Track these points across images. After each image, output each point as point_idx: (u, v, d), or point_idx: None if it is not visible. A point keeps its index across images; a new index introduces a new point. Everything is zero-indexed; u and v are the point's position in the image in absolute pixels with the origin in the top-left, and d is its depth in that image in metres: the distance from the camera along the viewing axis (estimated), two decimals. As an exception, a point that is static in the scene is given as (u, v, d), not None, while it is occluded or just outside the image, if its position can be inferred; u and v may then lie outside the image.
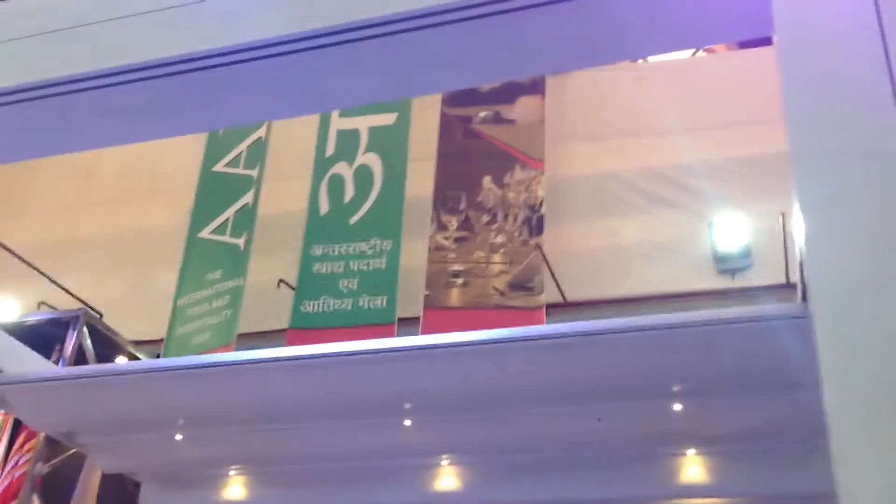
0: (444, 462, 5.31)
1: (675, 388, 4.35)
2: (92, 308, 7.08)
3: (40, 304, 7.53)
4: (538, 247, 6.62)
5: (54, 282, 7.22)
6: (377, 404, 4.78)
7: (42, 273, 7.16)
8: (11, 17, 2.47)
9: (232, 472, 5.74)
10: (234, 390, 4.81)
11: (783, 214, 6.21)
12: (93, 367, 5.89)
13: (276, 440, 5.25)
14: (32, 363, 5.34)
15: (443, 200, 7.09)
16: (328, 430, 5.09)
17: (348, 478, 5.50)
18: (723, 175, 6.95)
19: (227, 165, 7.62)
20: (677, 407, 4.43)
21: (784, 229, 6.13)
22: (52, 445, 5.94)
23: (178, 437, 5.29)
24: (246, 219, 7.13)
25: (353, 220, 6.97)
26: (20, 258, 7.04)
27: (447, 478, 5.32)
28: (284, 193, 7.61)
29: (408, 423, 4.87)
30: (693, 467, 4.86)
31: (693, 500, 5.09)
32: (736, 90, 7.20)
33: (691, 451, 4.87)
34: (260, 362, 4.61)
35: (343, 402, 4.79)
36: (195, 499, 5.87)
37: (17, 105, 2.39)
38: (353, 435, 5.09)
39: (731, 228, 6.68)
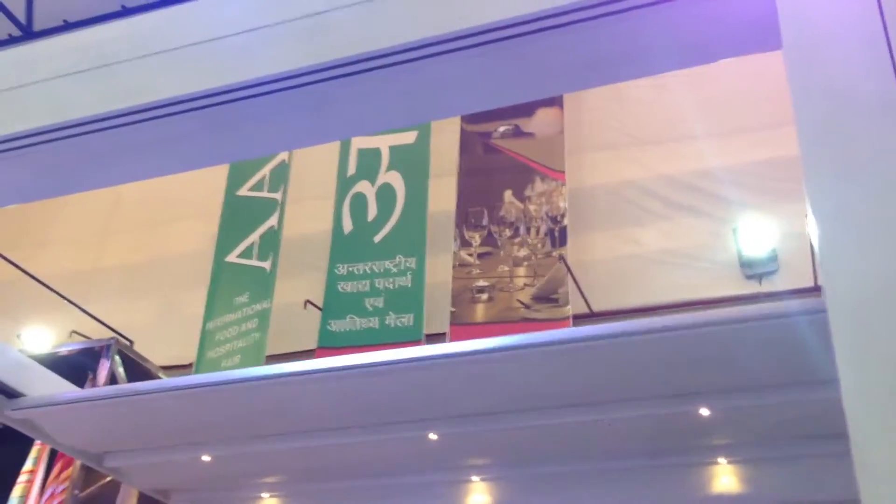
0: (473, 474, 5.30)
1: (702, 391, 4.29)
2: (122, 336, 7.18)
3: (72, 332, 7.66)
4: (562, 258, 6.63)
5: (86, 312, 7.33)
6: (406, 415, 4.75)
7: (73, 303, 7.27)
8: (39, 60, 2.55)
9: (262, 491, 5.75)
10: (259, 406, 4.80)
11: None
12: (117, 388, 5.84)
13: (305, 456, 5.23)
14: (56, 386, 5.36)
15: (465, 217, 7.12)
16: (358, 445, 5.06)
17: (381, 494, 5.50)
18: (746, 179, 6.90)
19: (251, 189, 7.72)
20: (705, 411, 4.37)
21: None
22: (89, 473, 6.02)
23: (206, 456, 5.28)
24: (272, 241, 7.21)
25: (378, 238, 7.02)
26: (52, 290, 7.17)
27: (476, 492, 5.32)
28: (308, 214, 7.69)
29: (434, 436, 4.84)
30: (723, 474, 4.80)
31: None
32: (756, 93, 7.16)
33: (721, 458, 4.81)
34: (285, 377, 4.58)
35: (373, 414, 4.77)
36: None
37: (45, 145, 2.47)
38: (384, 449, 5.07)
39: (757, 233, 6.64)
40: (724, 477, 4.82)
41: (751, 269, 6.65)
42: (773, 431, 4.48)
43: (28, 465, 5.99)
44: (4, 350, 5.08)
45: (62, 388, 5.36)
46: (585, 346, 4.09)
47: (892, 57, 1.63)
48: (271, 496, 5.80)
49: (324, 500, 5.71)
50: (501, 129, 7.41)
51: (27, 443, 5.96)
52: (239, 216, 7.62)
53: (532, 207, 6.97)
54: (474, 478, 5.33)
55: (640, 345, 4.00)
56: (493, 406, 4.58)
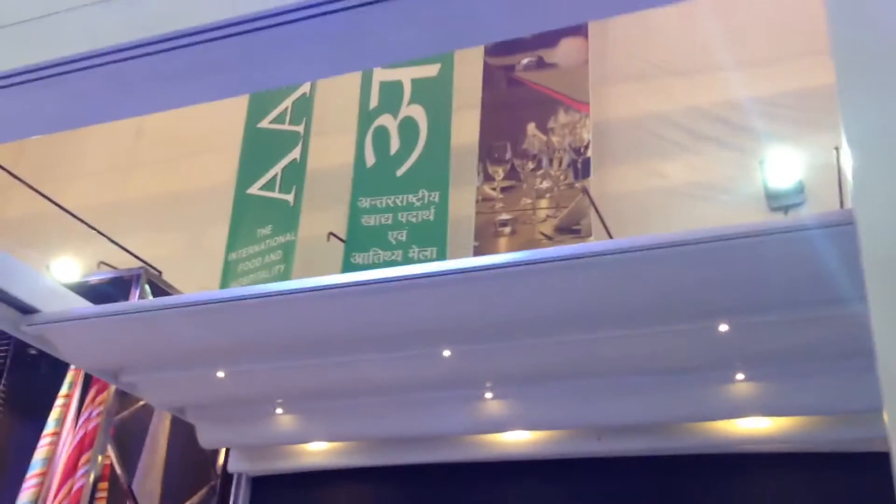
0: (489, 390, 5.30)
1: (722, 307, 4.20)
2: (151, 266, 7.28)
3: (100, 263, 7.77)
4: (584, 189, 6.61)
5: (115, 242, 7.42)
6: (423, 332, 4.69)
7: (102, 234, 7.36)
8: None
9: (277, 407, 5.76)
10: (278, 322, 4.73)
11: (837, 148, 6.08)
12: (132, 304, 5.76)
13: (319, 373, 5.14)
14: (70, 302, 5.26)
15: (488, 151, 7.09)
16: (372, 363, 5.02)
17: (394, 408, 5.51)
18: (774, 111, 6.79)
19: (272, 122, 7.70)
20: (724, 327, 4.30)
21: (838, 163, 6.02)
22: (124, 397, 6.18)
23: (222, 373, 5.21)
24: (294, 174, 7.22)
25: (400, 171, 7.02)
26: (80, 220, 7.25)
27: (490, 407, 5.36)
28: (331, 147, 7.68)
29: (448, 352, 4.78)
30: (741, 390, 4.82)
31: (743, 419, 5.07)
32: (785, 21, 7.00)
33: (739, 373, 4.78)
34: (299, 292, 4.49)
35: (389, 330, 4.68)
36: (247, 435, 5.97)
37: (72, 74, 2.48)
38: (400, 365, 5.02)
39: (784, 165, 6.55)
40: (742, 392, 4.83)
41: (776, 202, 6.58)
42: (792, 347, 4.45)
43: (64, 390, 6.14)
44: (22, 269, 5.02)
45: (71, 300, 5.29)
46: (602, 261, 3.98)
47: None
48: (285, 413, 5.84)
49: (337, 415, 5.73)
50: (525, 61, 7.31)
51: (64, 367, 6.11)
52: (260, 149, 7.63)
53: (555, 139, 6.92)
54: (488, 395, 5.34)
55: (658, 259, 3.90)
56: (509, 323, 4.52)
